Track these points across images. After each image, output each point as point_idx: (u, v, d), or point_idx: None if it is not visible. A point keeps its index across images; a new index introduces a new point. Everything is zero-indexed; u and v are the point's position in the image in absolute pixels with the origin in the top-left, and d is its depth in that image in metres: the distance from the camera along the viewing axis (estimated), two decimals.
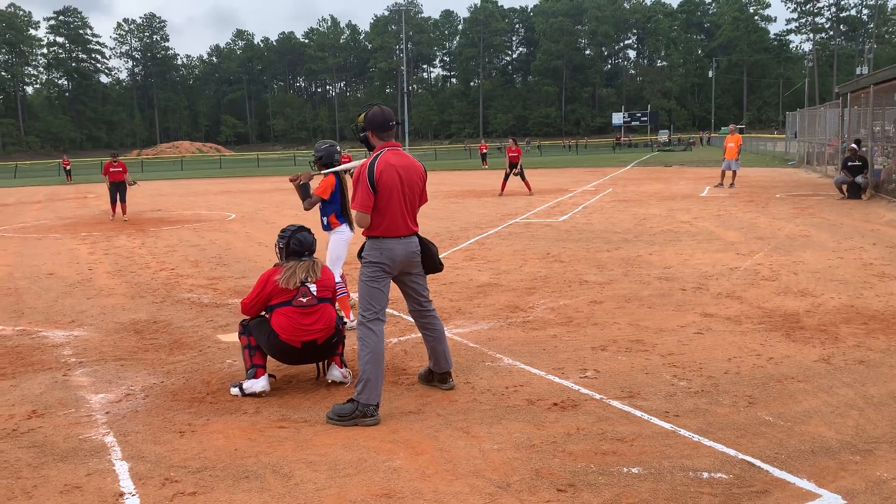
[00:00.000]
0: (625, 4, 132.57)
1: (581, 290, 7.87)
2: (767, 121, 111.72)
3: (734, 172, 21.44)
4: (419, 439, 4.07)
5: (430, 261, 4.72)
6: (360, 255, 4.57)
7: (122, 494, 3.52)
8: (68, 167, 45.25)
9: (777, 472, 3.51)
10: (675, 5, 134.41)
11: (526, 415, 4.37)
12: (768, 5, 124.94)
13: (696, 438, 3.94)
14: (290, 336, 4.82)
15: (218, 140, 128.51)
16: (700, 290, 7.70)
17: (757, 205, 16.11)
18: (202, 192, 29.47)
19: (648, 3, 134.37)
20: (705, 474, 3.51)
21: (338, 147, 6.85)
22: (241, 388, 4.90)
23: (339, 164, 6.74)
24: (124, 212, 18.01)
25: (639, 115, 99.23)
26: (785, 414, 4.25)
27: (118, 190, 17.85)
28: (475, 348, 5.83)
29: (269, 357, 5.01)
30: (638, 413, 4.33)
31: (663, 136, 72.71)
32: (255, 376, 4.90)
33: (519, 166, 21.38)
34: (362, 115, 4.65)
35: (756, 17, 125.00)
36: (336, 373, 5.11)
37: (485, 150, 45.47)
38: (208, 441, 4.14)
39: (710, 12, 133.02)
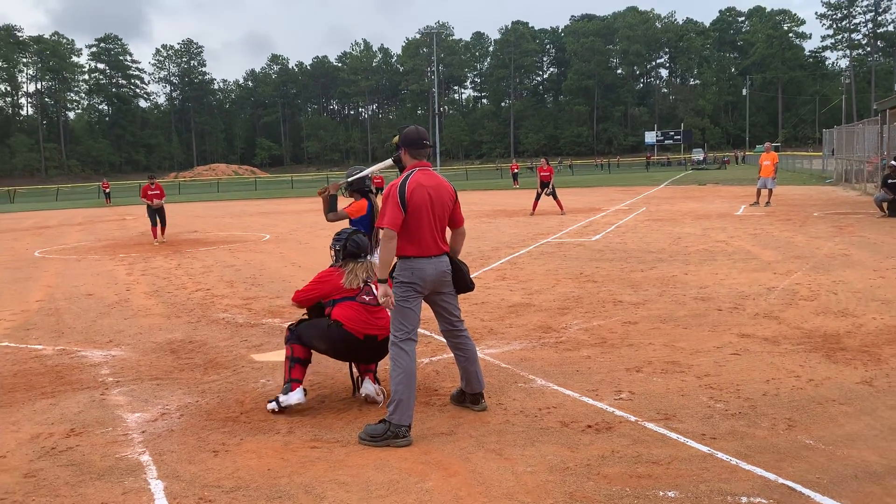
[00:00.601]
0: (656, 24, 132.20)
1: (615, 311, 7.80)
2: (804, 138, 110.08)
3: (770, 191, 21.13)
4: (451, 461, 4.04)
5: (461, 280, 4.72)
6: (391, 275, 4.59)
7: None
8: (108, 190, 46.27)
9: (819, 498, 3.42)
10: (707, 23, 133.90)
11: (559, 437, 4.32)
12: (803, 22, 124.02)
13: (734, 462, 3.85)
14: (355, 326, 4.90)
15: (253, 162, 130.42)
16: (737, 310, 7.58)
17: (794, 223, 15.85)
18: (238, 213, 29.87)
19: (680, 22, 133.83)
20: (744, 499, 3.43)
21: (369, 173, 6.91)
22: (277, 403, 4.96)
23: (372, 190, 6.85)
24: (163, 234, 18.21)
25: (672, 133, 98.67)
26: (826, 437, 4.14)
27: (156, 213, 18.03)
28: (507, 369, 5.79)
29: (307, 368, 5.08)
30: (674, 436, 4.26)
31: (697, 154, 72.00)
32: (291, 390, 4.95)
33: (551, 185, 21.35)
34: (397, 137, 4.72)
35: (790, 35, 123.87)
36: (370, 387, 5.13)
37: (516, 170, 45.48)
38: (242, 461, 4.16)
39: (743, 30, 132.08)
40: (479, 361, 4.92)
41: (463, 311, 5.03)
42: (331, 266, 5.23)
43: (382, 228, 4.47)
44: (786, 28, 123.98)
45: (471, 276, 4.81)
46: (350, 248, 5.20)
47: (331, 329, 4.93)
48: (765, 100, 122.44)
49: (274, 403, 4.98)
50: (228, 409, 5.10)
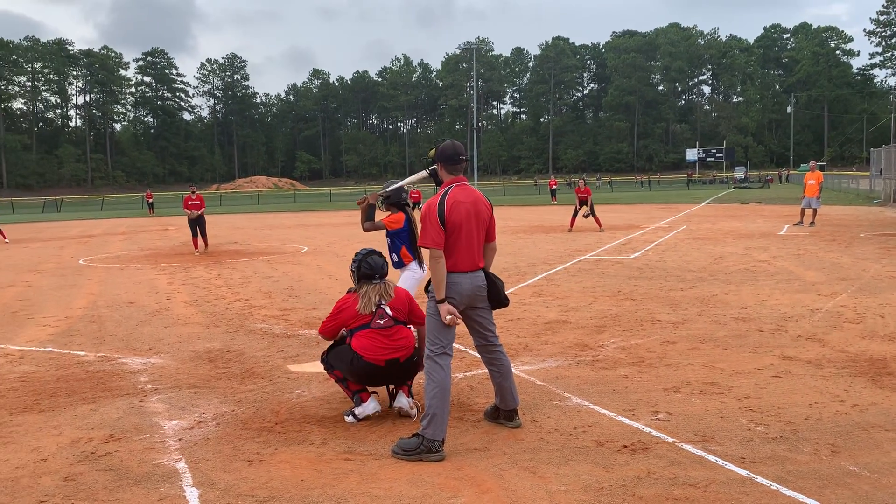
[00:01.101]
0: (699, 40, 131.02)
1: (653, 330, 7.69)
2: (850, 157, 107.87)
3: (815, 210, 20.72)
4: (484, 477, 4.01)
5: (496, 295, 4.70)
6: (427, 290, 4.58)
7: None
8: (151, 200, 47.27)
9: None
10: (751, 40, 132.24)
11: (595, 456, 4.26)
12: (850, 39, 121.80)
13: (775, 487, 3.76)
14: (374, 356, 4.93)
15: (293, 175, 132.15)
16: (779, 331, 7.42)
17: (839, 244, 15.49)
18: (277, 225, 30.25)
19: (724, 39, 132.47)
20: None
21: (406, 186, 6.95)
22: (354, 415, 5.00)
23: (409, 203, 6.88)
24: (206, 245, 18.41)
25: (714, 151, 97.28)
26: (871, 465, 4.02)
27: (197, 223, 18.26)
28: (542, 386, 5.74)
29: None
30: (712, 458, 4.17)
31: (739, 172, 70.90)
32: (362, 401, 5.00)
33: (589, 203, 21.24)
34: (433, 150, 4.72)
35: (837, 52, 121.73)
36: (404, 401, 5.13)
37: (554, 186, 45.30)
38: (276, 471, 4.18)
39: (789, 47, 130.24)
40: (514, 378, 4.89)
41: (498, 326, 5.01)
42: (349, 290, 5.25)
43: (427, 248, 4.47)
44: (833, 45, 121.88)
45: (505, 292, 4.79)
46: (364, 270, 5.16)
47: (353, 363, 4.97)
48: (810, 118, 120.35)
49: (351, 417, 5.01)
50: (264, 419, 5.13)
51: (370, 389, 5.15)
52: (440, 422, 4.33)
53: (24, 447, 4.70)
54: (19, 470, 4.31)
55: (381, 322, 5.01)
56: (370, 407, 5.01)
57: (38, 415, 5.39)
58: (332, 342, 5.30)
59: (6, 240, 24.19)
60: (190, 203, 18.36)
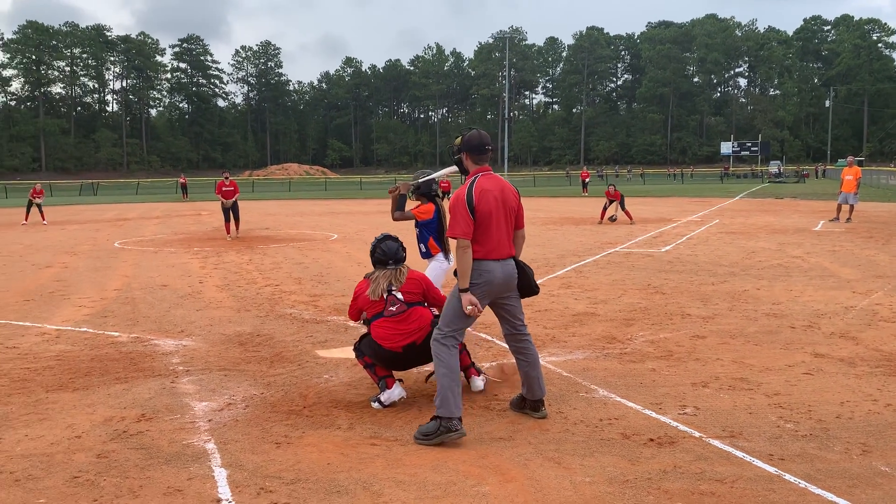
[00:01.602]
0: (736, 31, 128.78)
1: (683, 324, 7.62)
2: (890, 153, 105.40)
3: (851, 206, 20.31)
4: (509, 466, 4.02)
5: (526, 283, 4.71)
6: (455, 274, 4.59)
7: (219, 501, 3.64)
8: (184, 183, 47.81)
9: None
10: (790, 32, 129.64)
11: (620, 449, 4.25)
12: (893, 32, 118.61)
13: (803, 485, 3.71)
14: (391, 343, 5.02)
15: (324, 163, 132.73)
16: (811, 328, 7.31)
17: (877, 241, 15.18)
18: (307, 212, 30.46)
19: (761, 31, 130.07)
20: None
21: (436, 178, 6.95)
22: (380, 402, 5.06)
23: (438, 194, 6.88)
24: (237, 229, 18.51)
25: (749, 144, 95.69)
26: None
27: (229, 209, 18.27)
28: (569, 378, 5.73)
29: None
30: (739, 454, 4.13)
31: (774, 167, 69.69)
32: (388, 387, 5.07)
33: (621, 200, 21.07)
34: (459, 138, 4.73)
35: (880, 45, 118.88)
36: (479, 383, 5.33)
37: (586, 178, 44.91)
38: (303, 454, 4.24)
39: (829, 39, 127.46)
40: (541, 369, 4.89)
41: (526, 317, 5.00)
42: (365, 276, 5.32)
43: (455, 238, 4.48)
44: (875, 38, 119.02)
45: (535, 280, 4.79)
46: (377, 256, 5.24)
47: (377, 351, 5.08)
48: (849, 112, 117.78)
49: (377, 403, 5.07)
50: (292, 403, 5.20)
51: (396, 376, 5.20)
52: (453, 399, 4.37)
53: (59, 424, 4.81)
54: (54, 446, 4.42)
55: (394, 309, 5.09)
56: (396, 393, 5.07)
57: (72, 393, 5.52)
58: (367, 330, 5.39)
59: (45, 222, 24.73)
60: (224, 189, 18.34)
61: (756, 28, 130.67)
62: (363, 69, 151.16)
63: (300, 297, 9.64)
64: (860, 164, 42.56)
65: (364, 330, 5.47)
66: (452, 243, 4.78)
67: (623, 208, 20.96)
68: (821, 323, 7.53)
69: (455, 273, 4.57)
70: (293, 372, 6.03)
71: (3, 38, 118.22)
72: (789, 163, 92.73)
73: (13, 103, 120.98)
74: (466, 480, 3.84)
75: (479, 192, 4.49)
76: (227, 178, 18.93)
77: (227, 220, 18.44)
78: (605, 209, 21.30)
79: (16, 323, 8.20)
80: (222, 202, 18.40)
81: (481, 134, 4.67)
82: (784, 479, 3.79)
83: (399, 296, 5.10)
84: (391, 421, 4.81)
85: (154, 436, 4.57)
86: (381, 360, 5.09)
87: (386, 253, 5.22)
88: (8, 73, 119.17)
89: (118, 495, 3.72)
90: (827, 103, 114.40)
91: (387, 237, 5.32)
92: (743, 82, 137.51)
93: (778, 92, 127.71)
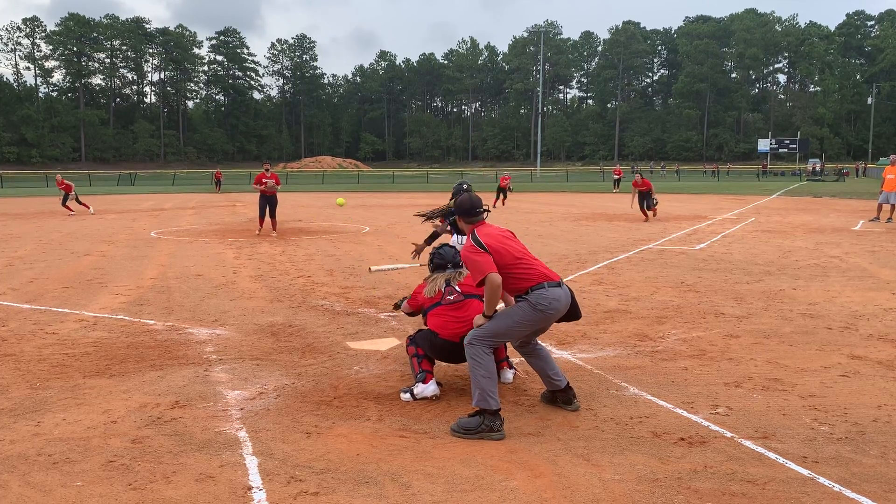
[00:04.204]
0: (776, 27, 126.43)
1: (716, 323, 7.53)
2: None
3: (893, 206, 19.83)
4: (537, 462, 4.02)
5: (576, 308, 4.79)
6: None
7: (250, 488, 3.69)
8: (220, 178, 48.14)
9: None
10: (832, 27, 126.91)
11: (650, 447, 4.22)
12: None
13: (837, 488, 3.65)
14: (448, 332, 5.09)
15: (357, 156, 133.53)
16: (848, 330, 7.17)
17: None
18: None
19: (802, 26, 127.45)
20: None
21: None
22: (411, 393, 5.11)
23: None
24: (274, 227, 17.24)
25: (787, 141, 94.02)
26: None
27: (268, 202, 16.95)
28: (599, 375, 5.70)
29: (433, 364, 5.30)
30: (772, 455, 4.08)
31: (812, 164, 68.34)
32: (425, 381, 5.12)
33: (651, 194, 20.80)
34: (453, 200, 4.94)
35: None
36: (508, 375, 5.45)
37: (618, 176, 44.46)
38: (332, 444, 4.28)
39: (872, 35, 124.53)
40: (567, 365, 4.89)
41: None
42: (425, 279, 5.53)
43: (484, 277, 4.40)
44: None
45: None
46: (437, 262, 5.56)
47: (433, 341, 5.17)
48: (892, 109, 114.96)
49: (408, 394, 5.11)
50: (322, 393, 5.24)
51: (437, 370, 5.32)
52: (491, 393, 4.42)
53: (96, 409, 4.92)
54: (90, 430, 4.52)
55: (451, 298, 5.23)
56: (430, 389, 5.09)
57: (108, 379, 5.63)
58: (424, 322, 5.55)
59: (91, 210, 25.25)
60: (265, 180, 16.87)
61: (797, 23, 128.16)
62: (397, 63, 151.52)
63: (332, 289, 9.71)
64: None
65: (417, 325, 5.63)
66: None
67: (645, 201, 20.61)
68: (858, 324, 7.39)
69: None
70: (324, 363, 6.08)
71: (45, 30, 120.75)
72: (829, 161, 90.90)
73: (55, 94, 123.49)
74: (495, 475, 3.84)
75: (484, 235, 4.60)
76: (267, 169, 17.29)
77: (262, 216, 17.06)
78: (641, 208, 20.97)
79: (55, 309, 8.39)
80: (265, 188, 16.81)
81: (472, 198, 4.81)
82: (818, 481, 3.73)
83: (457, 288, 5.28)
84: (420, 414, 4.83)
85: (187, 423, 4.65)
86: (435, 351, 5.17)
87: (444, 258, 5.54)
88: (50, 64, 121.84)
89: (152, 480, 3.79)
90: (869, 100, 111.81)
91: (443, 245, 5.73)
92: (782, 78, 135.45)
93: (818, 88, 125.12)
